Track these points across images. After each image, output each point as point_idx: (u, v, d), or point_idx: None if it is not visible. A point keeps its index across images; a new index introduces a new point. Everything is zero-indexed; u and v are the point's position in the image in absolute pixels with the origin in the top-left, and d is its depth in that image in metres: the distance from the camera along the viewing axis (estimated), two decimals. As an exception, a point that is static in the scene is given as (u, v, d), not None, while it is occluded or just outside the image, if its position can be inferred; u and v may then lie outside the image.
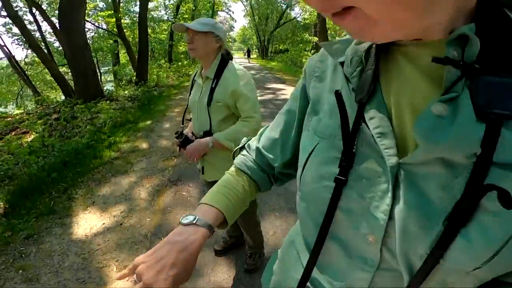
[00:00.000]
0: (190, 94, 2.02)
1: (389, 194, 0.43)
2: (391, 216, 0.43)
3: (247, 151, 0.85)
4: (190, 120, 2.14)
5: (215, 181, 1.85)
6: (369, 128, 0.46)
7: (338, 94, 0.51)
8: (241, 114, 1.84)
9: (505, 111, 0.34)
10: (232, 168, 0.84)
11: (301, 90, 0.67)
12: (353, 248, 0.51)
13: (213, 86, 1.81)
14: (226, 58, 1.88)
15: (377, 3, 0.31)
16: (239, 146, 0.89)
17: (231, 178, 0.79)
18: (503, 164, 0.35)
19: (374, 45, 0.50)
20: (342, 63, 0.54)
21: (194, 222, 0.65)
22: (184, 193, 3.62)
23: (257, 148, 0.80)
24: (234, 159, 0.88)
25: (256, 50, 50.84)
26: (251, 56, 33.17)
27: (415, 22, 0.34)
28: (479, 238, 0.36)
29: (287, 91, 10.31)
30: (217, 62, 1.84)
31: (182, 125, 2.09)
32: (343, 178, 0.47)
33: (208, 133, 1.86)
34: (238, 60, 35.26)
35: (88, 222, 3.24)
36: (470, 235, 0.36)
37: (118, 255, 2.69)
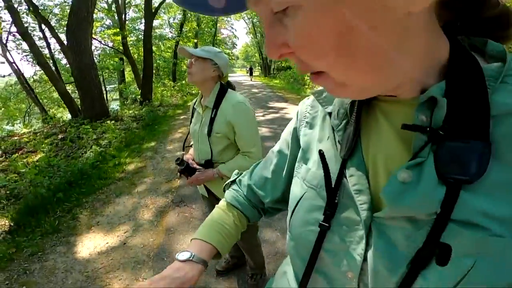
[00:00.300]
0: (190, 122, 2.04)
1: (364, 241, 0.49)
2: (365, 258, 0.50)
3: (238, 186, 0.90)
4: (190, 146, 2.17)
5: (217, 200, 1.89)
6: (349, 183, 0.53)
7: (321, 154, 0.57)
8: (240, 148, 1.86)
9: (464, 177, 0.37)
10: (223, 203, 0.89)
11: (292, 133, 0.74)
12: (336, 281, 0.57)
13: (212, 116, 1.81)
14: (225, 87, 1.89)
15: (340, 71, 0.38)
16: (230, 180, 0.95)
17: (223, 214, 0.85)
18: (459, 221, 0.39)
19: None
20: (330, 113, 0.60)
21: (190, 259, 0.70)
22: (187, 215, 3.68)
23: (249, 185, 0.87)
24: (224, 191, 0.95)
25: (259, 68, 51.01)
26: (253, 74, 33.49)
27: (380, 84, 0.40)
28: (435, 279, 0.41)
29: (290, 110, 10.34)
30: (216, 91, 1.84)
31: (182, 152, 2.12)
32: (326, 225, 0.55)
33: (209, 162, 1.88)
34: (241, 78, 35.46)
35: (92, 241, 3.29)
36: (428, 276, 0.42)
37: (121, 274, 2.73)
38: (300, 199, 0.62)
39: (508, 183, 0.37)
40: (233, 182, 0.94)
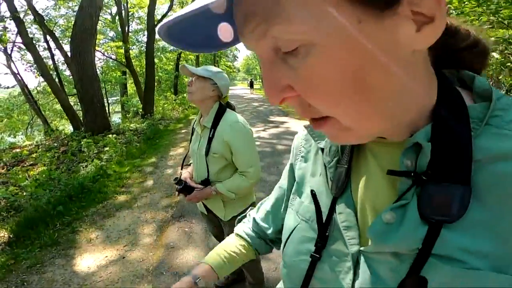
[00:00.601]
0: (190, 141, 2.07)
1: (352, 271, 0.52)
2: (353, 287, 0.52)
3: (248, 220, 0.97)
4: (189, 164, 2.19)
5: (216, 217, 1.88)
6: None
7: (313, 194, 0.60)
8: (237, 168, 1.88)
9: (444, 218, 0.39)
10: (233, 234, 0.96)
11: (289, 170, 0.78)
12: None
13: (210, 136, 1.83)
14: (224, 107, 1.90)
15: (352, 115, 0.38)
16: (242, 215, 1.03)
17: (229, 241, 0.93)
18: (439, 255, 0.41)
19: None
20: (322, 149, 0.62)
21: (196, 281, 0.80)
22: (187, 229, 3.69)
23: (254, 218, 0.93)
24: (236, 225, 1.01)
25: (260, 81, 51.15)
26: (254, 87, 33.60)
27: (383, 127, 0.42)
28: None
29: (290, 124, 10.19)
30: (214, 111, 1.86)
31: (180, 171, 2.14)
32: (317, 256, 0.57)
33: (206, 181, 1.89)
34: (242, 91, 35.31)
35: (91, 255, 3.30)
36: None
37: (120, 288, 2.73)
38: (293, 230, 0.65)
39: (486, 222, 0.39)
40: (244, 216, 1.01)
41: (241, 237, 0.92)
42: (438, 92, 0.44)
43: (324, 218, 0.58)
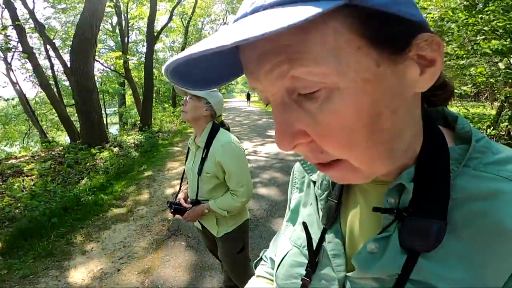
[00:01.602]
0: (186, 159, 2.11)
1: None
2: None
3: (265, 260, 0.98)
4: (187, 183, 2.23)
5: (211, 233, 1.88)
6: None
7: (305, 226, 0.63)
8: (229, 187, 1.91)
9: (421, 247, 0.43)
10: (256, 277, 0.96)
11: (288, 203, 0.81)
12: None
13: (203, 156, 1.86)
14: (218, 126, 1.93)
15: (365, 158, 0.40)
16: (259, 258, 1.02)
17: (252, 281, 0.93)
18: (415, 280, 0.44)
19: None
20: (314, 182, 0.66)
21: None
22: (183, 243, 3.68)
23: (270, 258, 0.93)
24: (255, 268, 1.01)
25: (256, 94, 51.34)
26: (251, 99, 33.68)
27: (389, 167, 0.44)
28: None
29: None
30: (207, 131, 1.88)
31: (178, 191, 2.19)
32: (308, 279, 0.60)
33: (196, 202, 1.94)
34: (239, 104, 35.17)
35: (85, 267, 3.28)
36: None
37: (114, 301, 2.70)
38: (285, 255, 0.69)
39: (460, 253, 0.42)
40: (261, 258, 1.01)
41: (265, 277, 0.92)
42: (424, 133, 0.47)
43: (314, 246, 0.61)
